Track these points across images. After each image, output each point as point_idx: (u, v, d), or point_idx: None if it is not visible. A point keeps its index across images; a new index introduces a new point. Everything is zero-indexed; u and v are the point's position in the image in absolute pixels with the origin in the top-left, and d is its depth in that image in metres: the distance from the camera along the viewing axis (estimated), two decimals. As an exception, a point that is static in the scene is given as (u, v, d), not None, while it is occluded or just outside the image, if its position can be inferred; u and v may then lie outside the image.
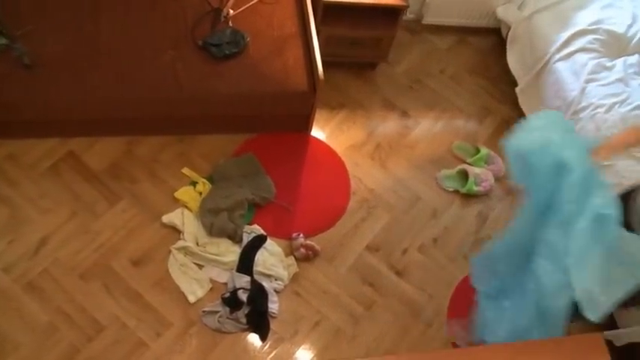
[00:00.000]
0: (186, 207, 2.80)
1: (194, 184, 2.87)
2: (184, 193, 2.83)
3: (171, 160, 2.95)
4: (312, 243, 2.75)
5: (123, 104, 2.73)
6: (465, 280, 2.80)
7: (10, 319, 2.45)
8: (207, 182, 2.87)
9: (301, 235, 2.77)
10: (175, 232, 2.74)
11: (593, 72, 2.89)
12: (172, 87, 2.72)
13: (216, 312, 2.55)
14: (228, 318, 2.54)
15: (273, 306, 2.61)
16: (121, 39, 2.80)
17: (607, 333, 2.38)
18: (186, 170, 2.90)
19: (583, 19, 3.08)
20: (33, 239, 2.64)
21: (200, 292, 2.60)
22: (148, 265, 2.65)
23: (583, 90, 2.84)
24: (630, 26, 3.04)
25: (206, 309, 2.55)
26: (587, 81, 2.87)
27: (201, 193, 2.84)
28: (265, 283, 2.63)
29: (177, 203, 2.81)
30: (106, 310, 2.52)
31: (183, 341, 2.50)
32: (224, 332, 2.53)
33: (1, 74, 2.61)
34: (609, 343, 2.40)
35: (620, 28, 3.02)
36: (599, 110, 2.76)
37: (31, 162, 2.83)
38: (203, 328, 2.54)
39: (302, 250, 2.73)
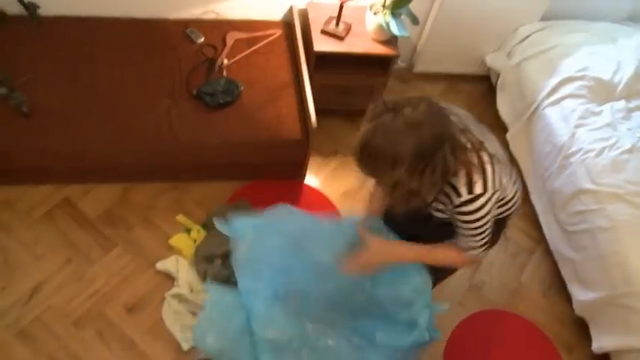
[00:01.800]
0: (181, 254, 2.80)
1: (188, 231, 2.88)
2: (179, 239, 2.84)
3: (166, 206, 2.96)
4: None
5: (119, 153, 2.76)
6: (460, 327, 2.78)
7: (1, 368, 2.43)
8: (201, 229, 2.88)
9: None
10: (170, 278, 2.74)
11: (582, 117, 2.94)
12: (167, 135, 2.75)
13: None
14: None
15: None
16: (117, 88, 2.85)
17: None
18: (180, 217, 2.91)
19: (570, 66, 3.15)
20: (26, 286, 2.63)
21: (193, 340, 2.58)
22: (143, 312, 2.64)
23: (573, 135, 2.89)
24: (615, 72, 3.11)
25: (201, 357, 2.53)
26: (577, 126, 2.92)
27: (195, 240, 2.85)
28: None
29: (171, 250, 2.81)
30: (100, 357, 2.50)
31: (176, 390, 2.47)
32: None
33: (0, 123, 2.65)
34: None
35: (605, 75, 3.09)
36: (589, 154, 2.80)
37: (26, 208, 2.85)
38: (196, 376, 2.51)
39: None
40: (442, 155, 1.58)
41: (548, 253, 3.00)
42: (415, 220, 1.87)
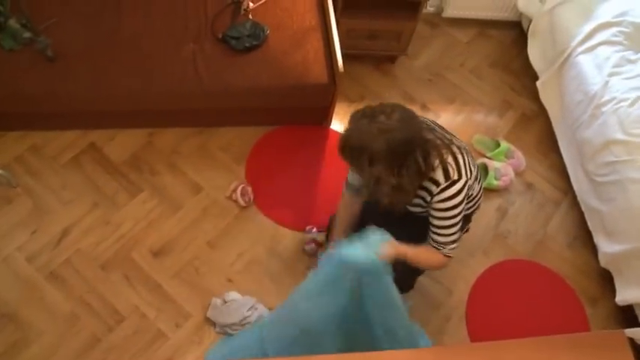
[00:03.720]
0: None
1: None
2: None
3: (191, 152, 2.97)
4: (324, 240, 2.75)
5: (144, 97, 2.75)
6: (484, 275, 2.79)
7: (33, 308, 2.49)
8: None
9: (314, 229, 2.77)
10: (195, 223, 2.76)
11: (616, 65, 2.85)
12: (193, 80, 2.73)
13: None
14: None
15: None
16: (142, 32, 2.82)
17: (628, 330, 2.37)
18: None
19: (607, 11, 3.03)
20: (55, 230, 2.67)
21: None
22: (168, 257, 2.67)
23: (606, 84, 2.81)
24: (657, 18, 2.99)
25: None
26: (611, 74, 2.82)
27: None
28: None
29: (198, 193, 2.84)
30: (127, 300, 2.55)
31: (202, 332, 2.52)
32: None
33: (25, 67, 2.65)
34: (631, 341, 2.39)
35: (645, 20, 2.98)
36: (622, 104, 2.72)
37: (53, 154, 2.87)
38: (222, 320, 2.56)
39: (313, 244, 2.73)
40: (414, 156, 1.81)
41: (575, 204, 2.97)
42: (391, 218, 2.04)
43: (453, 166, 1.90)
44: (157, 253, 2.68)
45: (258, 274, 2.68)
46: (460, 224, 2.00)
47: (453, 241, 2.02)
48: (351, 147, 1.80)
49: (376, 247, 1.93)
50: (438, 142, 1.92)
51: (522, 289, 2.80)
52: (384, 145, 1.73)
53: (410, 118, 1.81)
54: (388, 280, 2.01)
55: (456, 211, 1.95)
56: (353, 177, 2.21)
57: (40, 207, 2.72)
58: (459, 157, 1.93)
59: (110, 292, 2.56)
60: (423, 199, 1.99)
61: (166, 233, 2.73)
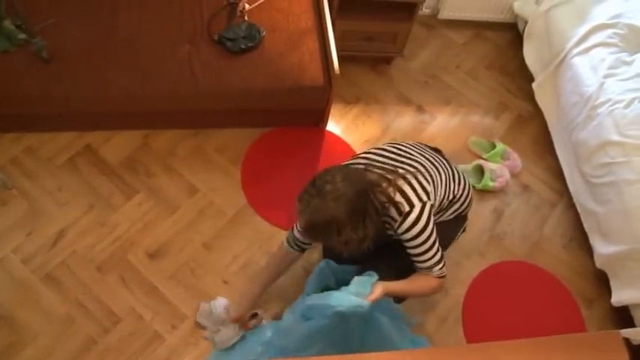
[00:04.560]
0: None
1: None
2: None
3: (186, 153, 2.96)
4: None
5: (139, 98, 2.74)
6: (480, 277, 2.79)
7: (28, 310, 2.48)
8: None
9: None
10: (191, 225, 2.76)
11: (612, 67, 2.86)
12: (188, 81, 2.73)
13: None
14: None
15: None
16: (138, 33, 2.82)
17: (624, 331, 2.37)
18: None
19: (602, 12, 3.04)
20: (51, 231, 2.67)
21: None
22: (164, 258, 2.67)
23: (601, 85, 2.81)
24: (651, 20, 3.00)
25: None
26: (606, 76, 2.83)
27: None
28: None
29: (194, 195, 2.83)
30: (123, 302, 2.54)
31: (198, 334, 2.51)
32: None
33: (20, 69, 2.64)
34: (626, 341, 2.39)
35: (640, 22, 2.99)
36: (617, 106, 2.72)
37: (48, 155, 2.86)
38: (218, 321, 2.55)
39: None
40: (372, 203, 1.86)
41: (570, 205, 2.98)
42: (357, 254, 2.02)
43: (402, 200, 1.92)
44: (153, 255, 2.67)
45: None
46: (436, 243, 2.00)
47: (438, 262, 2.03)
48: (315, 229, 1.85)
49: (366, 290, 1.95)
50: (382, 180, 1.94)
51: (518, 291, 2.80)
52: (345, 209, 1.78)
53: (350, 172, 1.89)
54: (379, 319, 2.11)
55: (425, 235, 1.96)
56: (300, 234, 2.22)
57: (35, 209, 2.71)
58: (406, 187, 1.94)
59: (106, 294, 2.55)
60: (390, 234, 2.04)
61: (162, 235, 2.73)
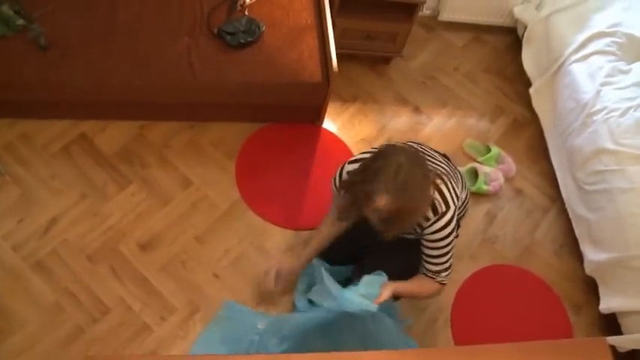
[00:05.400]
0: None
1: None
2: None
3: (182, 146, 2.96)
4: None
5: (136, 88, 2.74)
6: (471, 279, 2.80)
7: (17, 297, 2.47)
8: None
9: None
10: (184, 217, 2.76)
11: (609, 75, 2.87)
12: (186, 73, 2.72)
13: None
14: None
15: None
16: (136, 24, 2.81)
17: (611, 338, 2.38)
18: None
19: (601, 21, 3.05)
20: (43, 219, 2.66)
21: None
22: (156, 250, 2.66)
23: (598, 93, 2.83)
24: (650, 30, 3.01)
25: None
26: (603, 84, 2.85)
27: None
28: None
29: (188, 187, 2.83)
30: (112, 292, 2.54)
31: (187, 327, 2.51)
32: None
33: (18, 55, 2.63)
34: (612, 349, 2.40)
35: (639, 32, 2.98)
36: (613, 114, 2.74)
37: (43, 142, 2.85)
38: (207, 315, 2.55)
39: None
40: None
41: (563, 211, 2.98)
42: (381, 242, 2.03)
43: (439, 199, 1.93)
44: (145, 246, 2.67)
45: (244, 271, 2.67)
46: (452, 252, 2.02)
47: (447, 269, 2.05)
48: (397, 212, 1.81)
49: (375, 291, 1.97)
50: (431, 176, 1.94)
51: (508, 295, 2.81)
52: (421, 196, 1.82)
53: (419, 159, 1.87)
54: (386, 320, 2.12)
55: (447, 241, 1.97)
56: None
57: (27, 196, 2.70)
58: (443, 187, 1.95)
59: (96, 284, 2.55)
60: (415, 230, 2.03)
61: (154, 226, 2.72)
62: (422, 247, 2.04)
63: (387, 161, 1.77)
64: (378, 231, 1.96)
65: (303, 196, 2.91)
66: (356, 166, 1.98)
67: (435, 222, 1.93)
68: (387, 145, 1.89)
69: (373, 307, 1.95)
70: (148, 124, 2.99)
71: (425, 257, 2.05)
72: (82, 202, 2.73)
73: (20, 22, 2.65)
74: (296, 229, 2.81)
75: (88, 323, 2.46)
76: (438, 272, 2.05)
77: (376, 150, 1.89)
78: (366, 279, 2.01)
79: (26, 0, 2.71)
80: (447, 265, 2.05)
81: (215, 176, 2.90)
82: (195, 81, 2.72)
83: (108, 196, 2.76)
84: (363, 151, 2.13)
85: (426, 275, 2.08)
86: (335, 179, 2.18)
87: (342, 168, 2.15)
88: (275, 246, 2.76)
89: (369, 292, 1.97)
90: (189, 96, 2.82)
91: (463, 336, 2.67)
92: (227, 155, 2.97)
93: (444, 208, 1.92)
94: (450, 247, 2.01)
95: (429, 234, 1.97)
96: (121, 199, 2.77)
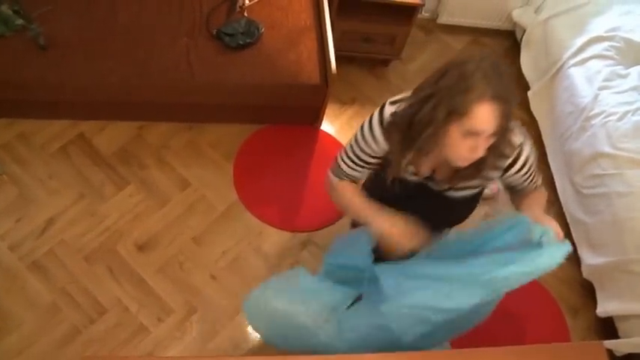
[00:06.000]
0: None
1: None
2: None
3: (180, 147, 2.96)
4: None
5: (135, 89, 2.74)
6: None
7: (14, 297, 2.47)
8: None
9: None
10: (181, 219, 2.75)
11: (607, 79, 2.88)
12: (185, 74, 2.72)
13: None
14: None
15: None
16: (136, 24, 2.81)
17: (607, 342, 2.38)
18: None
19: (600, 25, 3.06)
20: (40, 219, 2.65)
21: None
22: (153, 251, 2.66)
23: (596, 97, 2.83)
24: (648, 34, 3.02)
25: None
26: (601, 88, 2.85)
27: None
28: None
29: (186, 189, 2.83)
30: (109, 293, 2.54)
31: (183, 328, 2.51)
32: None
33: (17, 54, 2.63)
34: (609, 353, 2.40)
35: (637, 37, 2.99)
36: (611, 118, 2.74)
37: (41, 142, 2.85)
38: (204, 316, 2.55)
39: None
40: None
41: (560, 215, 2.98)
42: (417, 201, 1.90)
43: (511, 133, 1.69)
44: (142, 247, 2.67)
45: (242, 272, 2.67)
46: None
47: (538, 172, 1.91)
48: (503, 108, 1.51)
49: (544, 230, 1.74)
50: None
51: (504, 298, 2.80)
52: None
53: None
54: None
55: (533, 158, 1.81)
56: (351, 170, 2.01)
57: (25, 195, 2.70)
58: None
59: (93, 284, 2.54)
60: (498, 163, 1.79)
61: (152, 227, 2.72)
62: (514, 179, 1.85)
63: (472, 62, 1.48)
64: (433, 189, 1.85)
65: (301, 198, 2.91)
66: (402, 104, 1.76)
67: (522, 150, 1.75)
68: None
69: (568, 245, 1.72)
70: (146, 125, 2.99)
71: (527, 179, 1.86)
72: (79, 203, 2.73)
73: (19, 21, 2.65)
74: (294, 230, 2.81)
75: (85, 324, 2.46)
76: (538, 181, 1.94)
77: (441, 68, 1.57)
78: (544, 240, 1.73)
79: (26, 0, 2.71)
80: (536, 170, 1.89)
81: (213, 177, 2.90)
82: (193, 81, 2.73)
83: (105, 196, 2.76)
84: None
85: (534, 190, 1.94)
86: (372, 127, 1.95)
87: (382, 112, 1.91)
88: (273, 247, 2.76)
89: (545, 238, 1.74)
90: (188, 96, 2.82)
91: (459, 339, 2.66)
92: (225, 156, 2.97)
93: (521, 139, 1.74)
94: (534, 160, 1.83)
95: (527, 157, 1.78)
96: (119, 199, 2.77)
